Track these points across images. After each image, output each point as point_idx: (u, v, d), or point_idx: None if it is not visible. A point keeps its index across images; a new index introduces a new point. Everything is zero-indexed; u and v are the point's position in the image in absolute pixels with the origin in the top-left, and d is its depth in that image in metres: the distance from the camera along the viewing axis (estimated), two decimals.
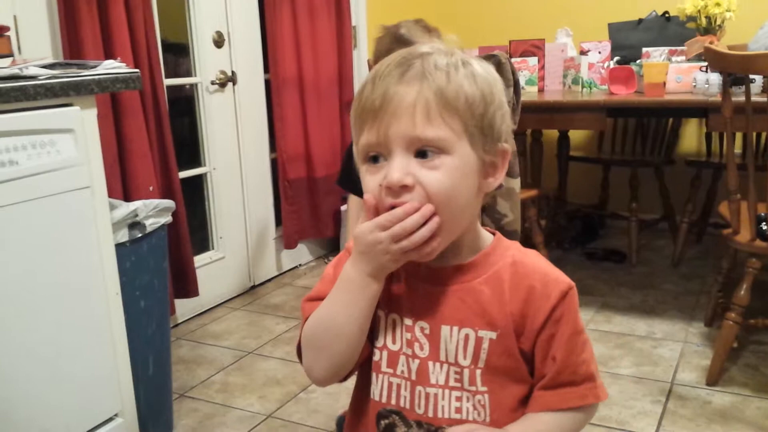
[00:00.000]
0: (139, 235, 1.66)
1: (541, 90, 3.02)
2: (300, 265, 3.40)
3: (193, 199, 2.83)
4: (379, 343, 0.84)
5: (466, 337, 0.80)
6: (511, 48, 3.04)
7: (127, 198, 2.22)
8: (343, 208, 3.30)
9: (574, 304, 0.81)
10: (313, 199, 3.26)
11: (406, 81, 0.75)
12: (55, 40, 2.13)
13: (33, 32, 2.08)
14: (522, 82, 2.77)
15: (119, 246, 1.59)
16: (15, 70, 1.42)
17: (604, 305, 2.74)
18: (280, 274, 3.29)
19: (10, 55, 1.72)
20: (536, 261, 0.83)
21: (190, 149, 2.83)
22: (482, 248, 0.84)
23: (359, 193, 1.69)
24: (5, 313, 1.34)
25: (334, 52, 3.27)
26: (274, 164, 3.14)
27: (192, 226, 2.64)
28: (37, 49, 2.07)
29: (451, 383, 0.81)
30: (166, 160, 2.46)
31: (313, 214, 3.28)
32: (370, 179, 0.76)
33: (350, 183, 1.73)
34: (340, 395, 2.09)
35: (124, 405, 1.60)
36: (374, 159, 0.76)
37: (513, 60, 2.50)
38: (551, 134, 3.47)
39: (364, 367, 0.86)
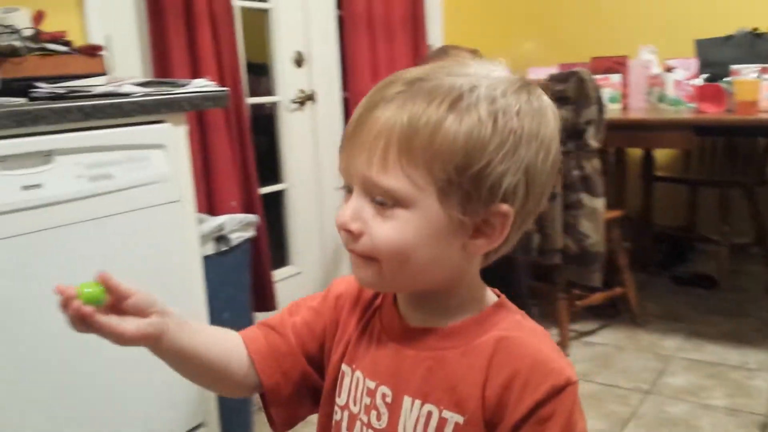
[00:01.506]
0: (225, 248, 1.68)
1: (624, 107, 2.94)
2: None
3: (271, 214, 2.87)
4: (342, 402, 0.75)
5: (429, 414, 0.67)
6: (593, 65, 2.97)
7: (211, 212, 2.27)
8: None
9: (570, 403, 0.64)
10: None
11: (390, 105, 0.63)
12: (144, 59, 2.21)
13: (124, 52, 2.16)
14: (604, 99, 2.71)
15: (205, 258, 1.61)
16: (111, 88, 1.47)
17: (693, 333, 2.61)
18: None
19: (104, 73, 1.79)
20: (533, 341, 0.67)
21: (269, 165, 2.88)
22: (472, 314, 0.70)
23: None
24: None
25: None
26: None
27: (270, 241, 2.67)
28: (128, 67, 2.15)
29: None
30: (248, 175, 2.50)
31: None
32: (340, 210, 0.68)
33: None
34: None
35: (208, 415, 1.61)
36: (348, 188, 0.67)
37: (595, 77, 2.44)
38: (635, 153, 3.36)
39: (323, 425, 0.78)
